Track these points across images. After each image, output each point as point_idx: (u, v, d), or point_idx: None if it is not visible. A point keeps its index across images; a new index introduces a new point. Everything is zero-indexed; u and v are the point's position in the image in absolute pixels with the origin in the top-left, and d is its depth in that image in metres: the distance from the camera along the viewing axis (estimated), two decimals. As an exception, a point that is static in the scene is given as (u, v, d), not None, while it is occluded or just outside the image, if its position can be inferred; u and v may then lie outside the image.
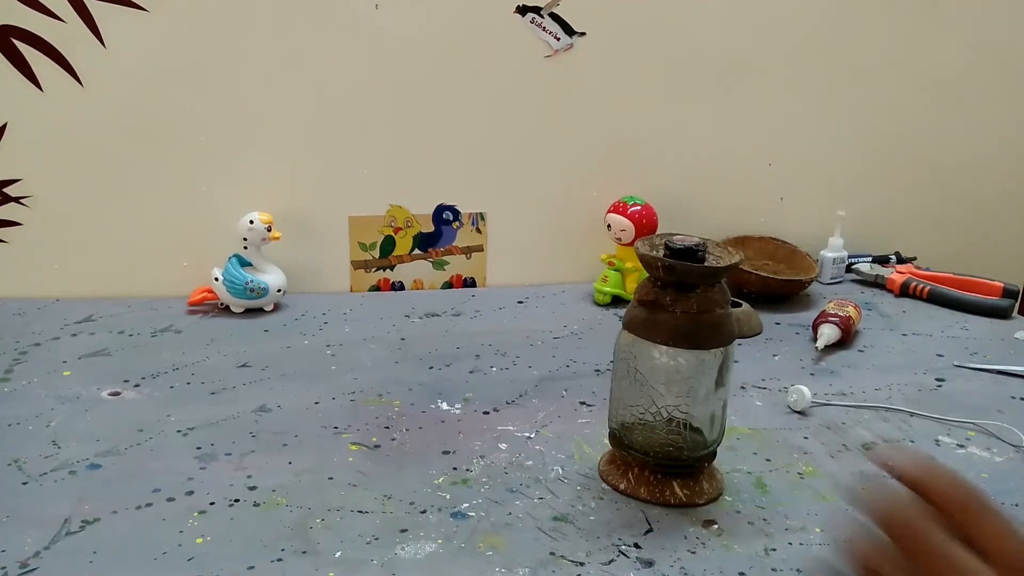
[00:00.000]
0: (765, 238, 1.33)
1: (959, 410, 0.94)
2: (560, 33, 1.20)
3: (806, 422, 0.91)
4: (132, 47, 1.09)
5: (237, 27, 1.11)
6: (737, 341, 1.09)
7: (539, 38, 1.19)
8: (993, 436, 0.90)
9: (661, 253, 0.73)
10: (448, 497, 0.76)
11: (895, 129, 1.37)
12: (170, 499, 0.74)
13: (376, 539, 0.70)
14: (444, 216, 1.25)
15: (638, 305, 0.74)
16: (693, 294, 0.72)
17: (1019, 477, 0.83)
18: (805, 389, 0.93)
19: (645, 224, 1.20)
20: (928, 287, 1.26)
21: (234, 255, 1.12)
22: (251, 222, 1.11)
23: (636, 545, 0.70)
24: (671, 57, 1.25)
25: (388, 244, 1.24)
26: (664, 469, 0.76)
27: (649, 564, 0.68)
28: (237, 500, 0.74)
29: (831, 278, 1.32)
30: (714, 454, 0.78)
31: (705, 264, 0.72)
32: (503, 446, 0.84)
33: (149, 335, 1.06)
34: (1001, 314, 1.22)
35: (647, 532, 0.72)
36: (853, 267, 1.34)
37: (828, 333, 1.08)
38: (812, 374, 1.03)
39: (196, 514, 0.72)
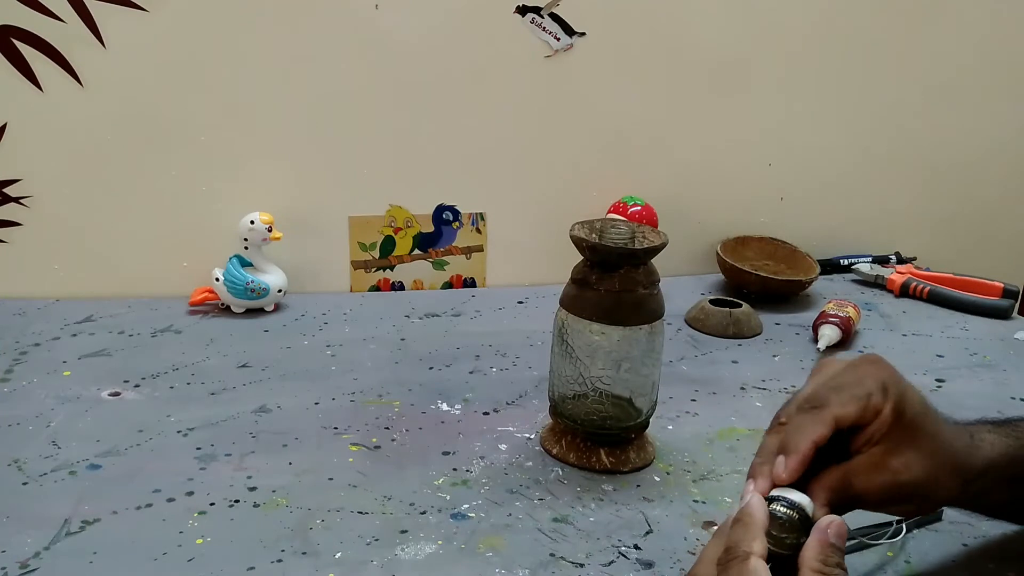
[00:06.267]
0: (765, 238, 1.33)
1: (959, 410, 0.92)
2: (560, 33, 1.20)
3: (806, 423, 0.91)
4: (132, 47, 1.08)
5: (237, 27, 1.11)
6: (737, 341, 1.11)
7: (539, 38, 1.19)
8: (993, 437, 0.90)
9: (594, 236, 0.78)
10: (448, 498, 0.76)
11: (895, 129, 1.36)
12: (170, 499, 0.74)
13: (376, 540, 0.70)
14: (444, 216, 1.25)
15: (571, 283, 0.80)
16: (616, 274, 0.77)
17: (1019, 478, 0.83)
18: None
19: (645, 224, 1.20)
20: (928, 287, 1.26)
21: (235, 255, 1.12)
22: (252, 222, 1.11)
23: (636, 546, 0.71)
24: (671, 57, 1.25)
25: (388, 244, 1.24)
26: (593, 437, 0.81)
27: (649, 565, 0.68)
28: (237, 501, 0.74)
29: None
30: (645, 426, 0.82)
31: (623, 246, 0.77)
32: (503, 447, 0.84)
33: (149, 335, 1.06)
34: (1001, 314, 1.22)
35: (647, 533, 0.72)
36: (853, 267, 1.34)
37: (829, 334, 1.08)
38: (812, 374, 1.03)
39: (196, 514, 0.72)
